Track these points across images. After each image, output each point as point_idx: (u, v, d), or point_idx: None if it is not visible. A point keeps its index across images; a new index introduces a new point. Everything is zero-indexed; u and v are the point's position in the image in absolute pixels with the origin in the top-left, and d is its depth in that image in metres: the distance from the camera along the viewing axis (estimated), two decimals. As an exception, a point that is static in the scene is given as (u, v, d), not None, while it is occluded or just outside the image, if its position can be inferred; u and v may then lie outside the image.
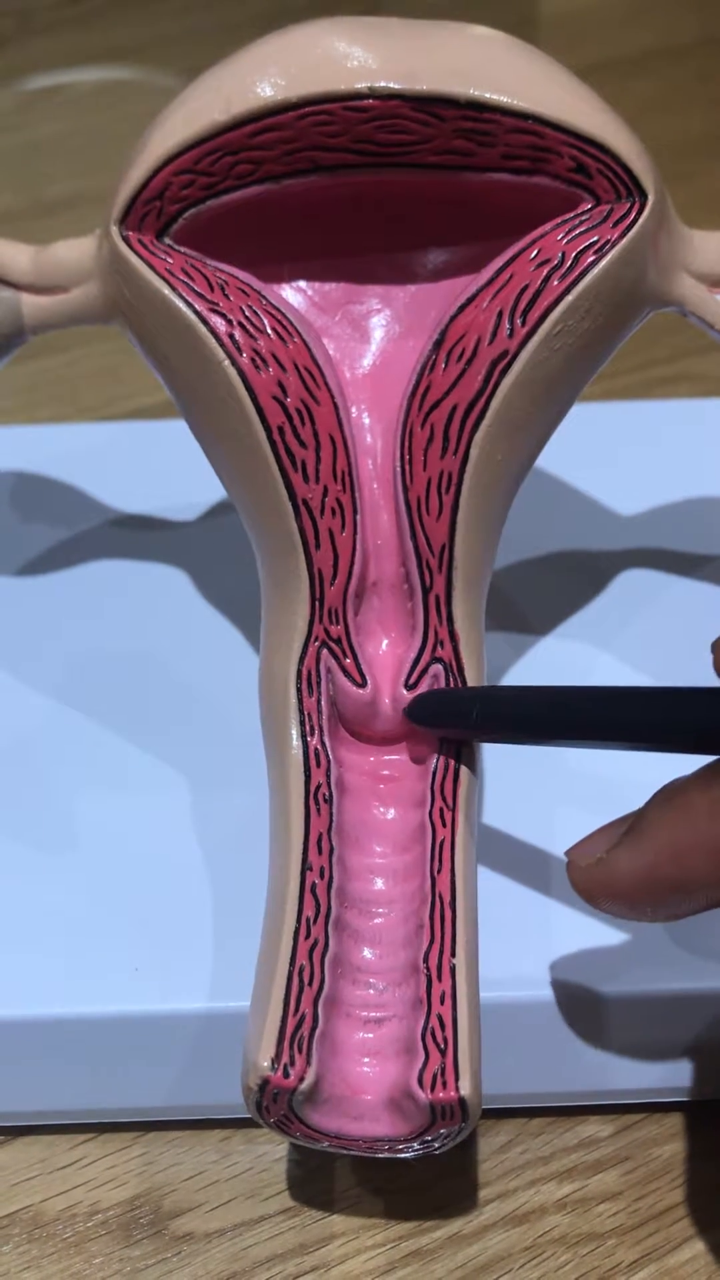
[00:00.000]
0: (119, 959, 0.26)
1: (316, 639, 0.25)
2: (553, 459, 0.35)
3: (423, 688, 0.25)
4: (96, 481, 0.37)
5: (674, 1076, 0.26)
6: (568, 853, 0.23)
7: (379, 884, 0.24)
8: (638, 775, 0.23)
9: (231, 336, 0.25)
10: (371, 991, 0.23)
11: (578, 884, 0.23)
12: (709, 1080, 0.26)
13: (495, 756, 0.28)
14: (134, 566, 0.34)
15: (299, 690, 0.25)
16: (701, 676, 0.23)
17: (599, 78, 0.30)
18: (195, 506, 0.36)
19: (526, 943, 0.26)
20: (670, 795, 0.22)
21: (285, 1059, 0.21)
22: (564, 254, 0.25)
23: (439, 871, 0.23)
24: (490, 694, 0.25)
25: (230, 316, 0.25)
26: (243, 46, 0.26)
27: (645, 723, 0.22)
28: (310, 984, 0.22)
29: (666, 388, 0.44)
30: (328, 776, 0.24)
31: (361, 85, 0.25)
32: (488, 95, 0.25)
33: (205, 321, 0.25)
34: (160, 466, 0.36)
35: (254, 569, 0.27)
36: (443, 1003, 0.22)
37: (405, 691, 0.25)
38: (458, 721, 0.24)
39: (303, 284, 0.28)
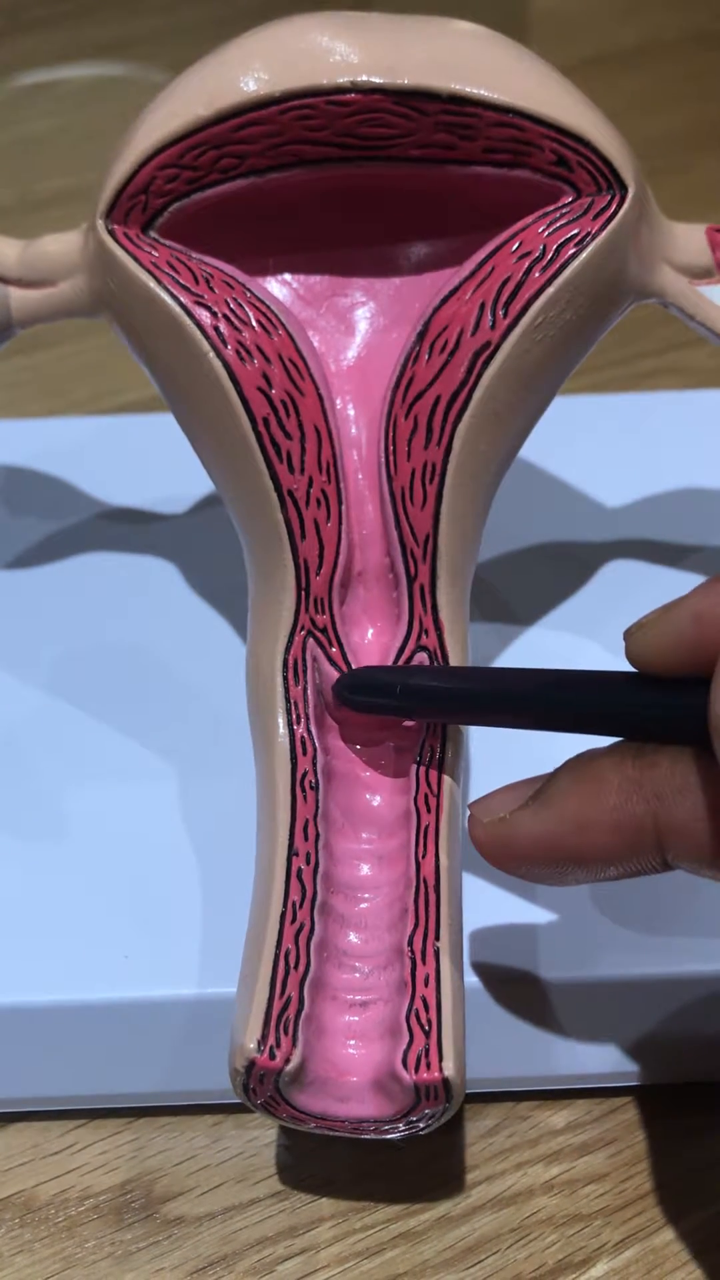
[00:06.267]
0: (109, 946, 0.26)
1: (302, 628, 0.25)
2: (540, 451, 0.35)
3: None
4: (85, 475, 0.37)
5: (658, 1059, 0.26)
6: (471, 806, 0.24)
7: (364, 869, 0.24)
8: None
9: (216, 329, 0.25)
10: (357, 975, 0.23)
11: (477, 839, 0.23)
12: (693, 1063, 0.27)
13: (480, 744, 0.28)
14: (122, 559, 0.34)
15: (285, 679, 0.25)
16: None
17: (588, 74, 0.30)
18: (183, 499, 0.36)
19: (512, 926, 0.27)
20: (581, 767, 0.22)
21: (271, 1041, 0.22)
22: (545, 246, 0.26)
23: (423, 856, 0.24)
24: (412, 672, 0.25)
25: (215, 309, 0.25)
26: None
27: (562, 704, 0.23)
28: (296, 967, 0.22)
29: (653, 380, 0.44)
30: (314, 764, 0.24)
31: (344, 80, 0.25)
32: (469, 89, 0.25)
33: (190, 314, 0.25)
34: (148, 460, 0.36)
35: (241, 560, 0.27)
36: (427, 985, 0.22)
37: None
38: (383, 697, 0.24)
39: (288, 277, 0.28)
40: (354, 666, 0.25)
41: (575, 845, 0.22)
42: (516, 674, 0.24)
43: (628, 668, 0.22)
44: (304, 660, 0.25)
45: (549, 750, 0.24)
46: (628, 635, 0.22)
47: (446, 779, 0.24)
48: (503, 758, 0.26)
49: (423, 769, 0.24)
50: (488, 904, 0.27)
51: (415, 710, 0.24)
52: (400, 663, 0.25)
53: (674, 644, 0.21)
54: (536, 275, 0.25)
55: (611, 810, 0.21)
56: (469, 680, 0.25)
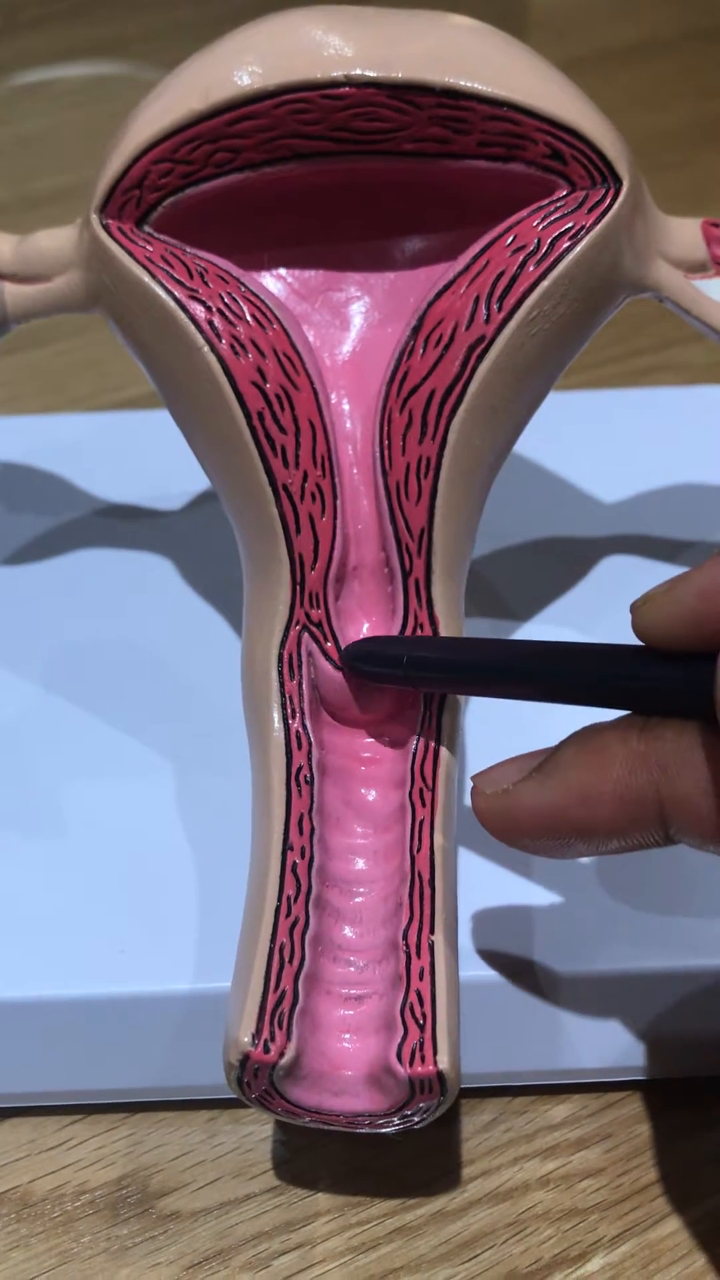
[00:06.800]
0: (105, 940, 0.26)
1: (298, 623, 0.25)
2: (537, 447, 0.35)
3: (403, 670, 0.25)
4: (83, 471, 0.37)
5: (655, 1054, 0.26)
6: (474, 778, 0.23)
7: (360, 864, 0.24)
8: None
9: (211, 323, 0.25)
10: (352, 969, 0.23)
11: (480, 811, 0.23)
12: (689, 1057, 0.27)
13: (476, 737, 0.28)
14: (120, 555, 0.34)
15: (280, 674, 0.25)
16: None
17: (586, 71, 0.30)
18: (181, 495, 0.36)
19: (508, 921, 0.27)
20: (586, 739, 0.22)
21: (266, 1034, 0.22)
22: (540, 240, 0.25)
23: (418, 851, 0.24)
24: (420, 642, 0.25)
25: (209, 303, 0.25)
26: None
27: (568, 676, 0.23)
28: (291, 961, 0.22)
29: (650, 377, 0.44)
30: (309, 758, 0.24)
31: (338, 73, 0.25)
32: (463, 83, 0.25)
33: (184, 308, 0.25)
34: (147, 456, 0.36)
35: (238, 555, 0.27)
36: (421, 979, 0.22)
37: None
38: (390, 668, 0.24)
39: (282, 271, 0.28)
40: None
41: (578, 817, 0.22)
42: (523, 645, 0.24)
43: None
44: (299, 655, 0.25)
45: (546, 736, 0.23)
46: (634, 609, 0.22)
47: (441, 773, 0.24)
48: (498, 747, 0.26)
49: (418, 764, 0.24)
50: (484, 897, 0.27)
51: (421, 680, 0.24)
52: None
53: (679, 619, 0.21)
54: (531, 269, 0.25)
55: (615, 782, 0.21)
56: (476, 651, 0.25)
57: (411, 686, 0.25)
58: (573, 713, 0.23)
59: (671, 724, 0.21)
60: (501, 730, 0.26)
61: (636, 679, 0.22)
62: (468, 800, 0.27)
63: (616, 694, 0.22)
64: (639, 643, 0.22)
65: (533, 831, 0.23)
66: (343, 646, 0.25)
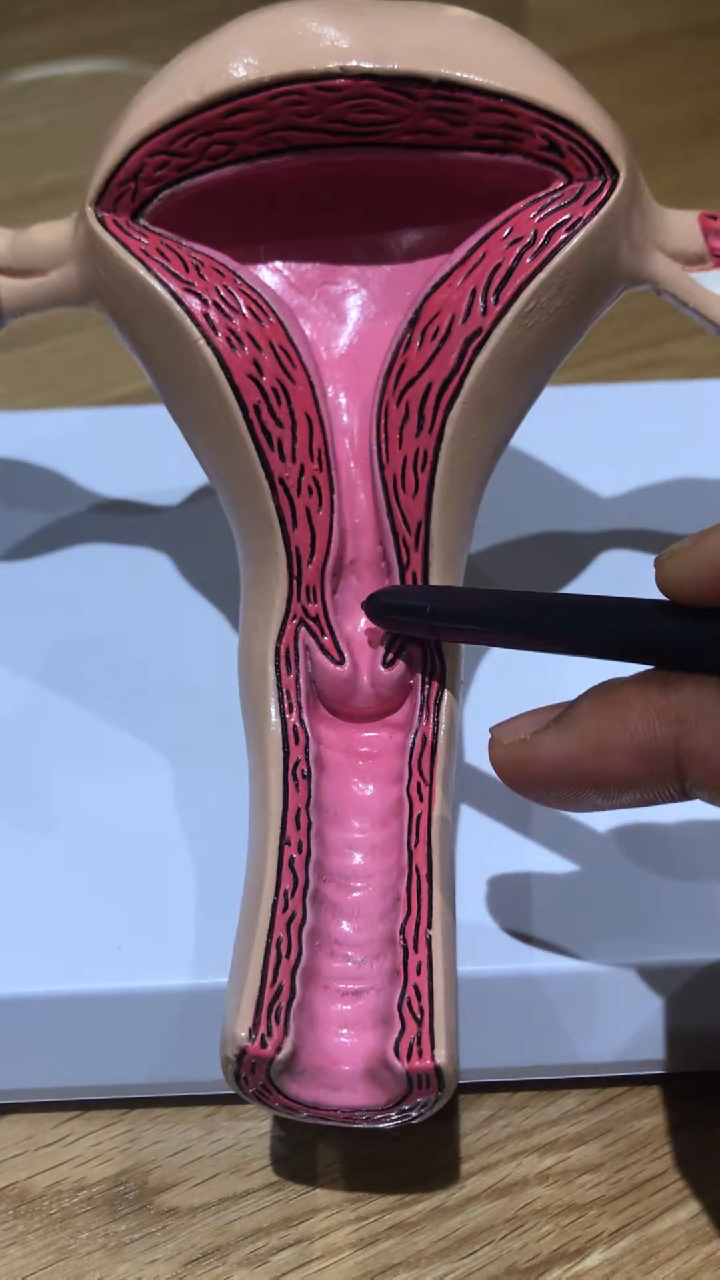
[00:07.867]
0: (102, 936, 0.26)
1: (295, 617, 0.25)
2: (536, 441, 0.35)
3: (400, 665, 0.25)
4: (80, 467, 0.37)
5: (653, 1049, 0.26)
6: (492, 729, 0.23)
7: (357, 859, 0.24)
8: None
9: (207, 316, 0.25)
10: (349, 964, 0.23)
11: (497, 761, 0.23)
12: (688, 1052, 0.27)
13: (475, 732, 0.28)
14: (116, 551, 0.34)
15: (277, 668, 0.25)
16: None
17: (585, 65, 0.30)
18: (177, 491, 0.36)
19: (506, 916, 0.26)
20: (605, 691, 0.22)
21: (263, 1029, 0.22)
22: (536, 231, 0.25)
23: (415, 845, 0.23)
24: (443, 592, 0.25)
25: (205, 296, 0.25)
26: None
27: (591, 629, 0.23)
28: (288, 956, 0.22)
29: (650, 371, 0.44)
30: (306, 753, 0.24)
31: (333, 65, 0.25)
32: (459, 74, 0.25)
33: (180, 301, 0.25)
34: (143, 452, 0.36)
35: (234, 550, 0.27)
36: (419, 973, 0.22)
37: (383, 669, 0.25)
38: (412, 617, 0.25)
39: (279, 264, 0.28)
40: (346, 656, 0.25)
41: (595, 767, 0.22)
42: (546, 598, 0.24)
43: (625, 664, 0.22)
44: (296, 649, 0.25)
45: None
46: (658, 563, 0.22)
47: (439, 768, 0.24)
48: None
49: (415, 758, 0.24)
50: (482, 891, 0.27)
51: (443, 631, 0.25)
52: (392, 654, 0.25)
53: (704, 574, 0.21)
54: (528, 261, 0.25)
55: (632, 733, 0.21)
56: (498, 603, 0.25)
57: (433, 637, 0.25)
58: (579, 688, 0.23)
59: (691, 679, 0.21)
60: (500, 716, 0.26)
61: (658, 633, 0.22)
62: (468, 794, 0.27)
63: (638, 647, 0.22)
64: (661, 598, 0.22)
65: (548, 781, 0.22)
66: (340, 641, 0.25)
